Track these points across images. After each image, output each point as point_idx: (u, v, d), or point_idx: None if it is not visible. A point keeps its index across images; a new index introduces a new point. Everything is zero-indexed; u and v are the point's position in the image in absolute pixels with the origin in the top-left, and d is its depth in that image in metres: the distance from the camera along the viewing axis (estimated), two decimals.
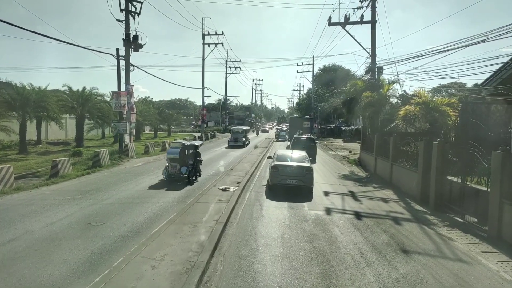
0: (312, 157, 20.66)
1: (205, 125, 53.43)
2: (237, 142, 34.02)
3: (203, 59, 49.71)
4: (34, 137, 31.27)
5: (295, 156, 14.38)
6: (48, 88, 29.40)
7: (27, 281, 5.71)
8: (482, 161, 9.38)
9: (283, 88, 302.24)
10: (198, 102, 77.48)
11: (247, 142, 36.18)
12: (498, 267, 6.90)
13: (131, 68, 23.87)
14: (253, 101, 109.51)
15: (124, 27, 23.00)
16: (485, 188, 9.21)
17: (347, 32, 23.72)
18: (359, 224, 9.57)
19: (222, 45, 51.27)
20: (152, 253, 6.54)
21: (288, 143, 33.76)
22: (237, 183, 14.27)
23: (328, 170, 20.56)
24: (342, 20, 23.21)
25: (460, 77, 36.86)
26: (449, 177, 11.03)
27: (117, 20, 22.98)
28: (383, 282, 6.02)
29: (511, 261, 7.17)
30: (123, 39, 22.95)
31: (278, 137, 48.17)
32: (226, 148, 32.80)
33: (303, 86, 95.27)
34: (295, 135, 26.06)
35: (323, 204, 11.75)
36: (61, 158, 16.60)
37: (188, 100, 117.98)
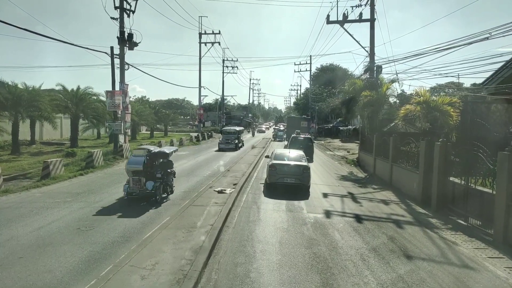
0: (309, 156, 20.95)
1: (202, 125, 52.98)
2: (229, 145, 30.40)
3: (200, 58, 49.36)
4: (28, 137, 30.77)
5: (293, 155, 14.61)
6: (44, 88, 28.96)
7: None
8: (487, 162, 9.05)
9: (281, 88, 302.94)
10: (195, 102, 77.15)
11: (240, 145, 32.66)
12: (507, 274, 6.57)
13: (126, 67, 23.50)
14: (251, 101, 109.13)
15: (118, 25, 22.63)
16: (490, 190, 8.88)
17: (346, 30, 23.40)
18: (360, 228, 9.23)
19: (219, 44, 50.91)
20: (142, 261, 6.16)
21: (286, 142, 33.55)
22: (234, 184, 13.90)
23: (326, 170, 20.23)
24: (340, 18, 22.84)
25: (460, 76, 36.63)
26: (451, 178, 10.72)
27: (111, 18, 22.56)
28: None
29: None
30: (117, 37, 22.53)
31: (276, 137, 48.28)
32: (216, 151, 29.29)
33: (300, 85, 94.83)
34: (292, 135, 26.15)
35: (322, 207, 11.41)
36: (53, 159, 16.17)
37: (185, 100, 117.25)
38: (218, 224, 8.52)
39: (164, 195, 11.41)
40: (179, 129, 67.02)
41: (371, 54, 22.16)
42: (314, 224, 9.40)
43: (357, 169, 21.32)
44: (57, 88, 30.03)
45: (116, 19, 22.65)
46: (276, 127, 64.89)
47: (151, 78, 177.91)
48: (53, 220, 9.09)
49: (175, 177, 12.39)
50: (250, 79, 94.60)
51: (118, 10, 22.51)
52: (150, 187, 10.71)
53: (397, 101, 25.88)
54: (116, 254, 6.84)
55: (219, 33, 49.59)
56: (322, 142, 44.28)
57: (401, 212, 11.21)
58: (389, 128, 20.31)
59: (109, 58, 22.55)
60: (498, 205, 8.18)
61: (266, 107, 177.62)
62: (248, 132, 64.51)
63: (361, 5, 22.33)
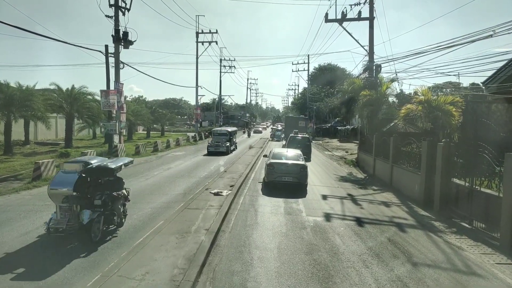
0: (307, 156, 21.21)
1: (199, 125, 52.54)
2: (219, 148, 26.84)
3: (197, 57, 49.00)
4: (22, 137, 30.30)
5: (290, 155, 14.81)
6: (39, 87, 28.53)
7: None
8: (493, 164, 8.72)
9: (278, 88, 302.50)
10: (193, 102, 76.47)
11: (232, 148, 29.37)
12: None
13: (121, 65, 23.09)
14: (248, 101, 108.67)
15: (113, 23, 22.21)
16: (496, 193, 8.54)
17: (344, 29, 23.07)
18: (361, 232, 8.88)
19: (216, 43, 50.61)
20: (132, 270, 5.78)
21: (284, 142, 33.33)
22: (231, 186, 13.53)
23: (325, 171, 19.89)
24: (339, 16, 22.50)
25: (460, 75, 36.39)
26: (455, 180, 10.39)
27: (106, 16, 22.18)
28: None
29: None
30: (112, 35, 22.13)
31: (274, 137, 48.37)
32: (204, 155, 25.78)
33: (298, 85, 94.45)
34: (291, 134, 26.24)
35: (321, 209, 11.05)
36: (45, 159, 15.74)
37: (183, 99, 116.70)
38: (213, 228, 8.15)
39: (103, 228, 7.67)
40: (176, 129, 66.56)
41: (370, 53, 21.83)
42: (313, 228, 9.04)
43: (356, 169, 20.99)
44: (52, 87, 29.62)
45: (111, 17, 22.27)
46: (274, 127, 64.48)
47: (149, 78, 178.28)
48: (42, 224, 8.63)
49: (128, 201, 8.81)
50: (248, 79, 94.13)
51: (113, 8, 22.15)
52: (85, 218, 7.13)
53: (395, 100, 25.60)
54: (105, 261, 6.45)
55: (216, 32, 49.30)
56: (320, 142, 43.98)
57: (403, 215, 10.87)
58: (388, 128, 20.01)
59: (104, 57, 22.18)
60: (505, 208, 7.85)
61: (264, 107, 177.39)
62: (244, 132, 61.56)
63: (360, 3, 22.02)
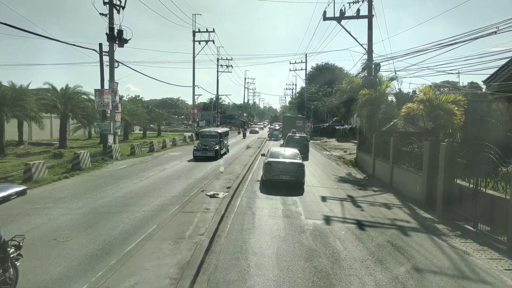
0: (305, 155, 21.39)
1: (196, 125, 52.06)
2: (207, 152, 22.58)
3: (194, 57, 48.55)
4: (16, 137, 29.80)
5: (288, 153, 14.99)
6: (34, 87, 28.05)
7: None
8: (499, 164, 8.40)
9: (276, 88, 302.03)
10: (190, 101, 76.01)
11: (223, 151, 25.22)
12: None
13: (116, 64, 22.64)
14: (246, 100, 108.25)
15: (108, 21, 21.77)
16: (502, 195, 8.21)
17: (343, 27, 22.71)
18: (363, 236, 8.53)
19: (213, 43, 50.34)
20: (120, 281, 5.40)
21: (281, 141, 33.07)
22: (227, 187, 13.16)
23: (324, 172, 19.55)
24: (337, 14, 22.18)
25: (460, 73, 36.07)
26: (458, 181, 10.07)
27: (100, 14, 21.73)
28: None
29: None
30: (106, 33, 21.69)
31: (271, 136, 48.29)
32: (188, 161, 21.96)
33: (295, 85, 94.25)
34: (288, 134, 26.13)
35: (321, 212, 10.70)
36: (36, 161, 15.30)
37: (180, 99, 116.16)
38: (209, 233, 7.78)
39: None
40: (173, 128, 66.11)
41: (369, 51, 21.48)
42: (313, 232, 8.68)
43: (356, 170, 20.67)
44: (46, 87, 29.14)
45: (105, 15, 21.82)
46: (271, 126, 64.07)
47: (146, 78, 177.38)
48: (29, 229, 8.27)
49: (21, 256, 5.55)
50: (245, 78, 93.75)
51: (108, 6, 21.71)
52: None
53: (394, 99, 25.32)
54: (92, 270, 6.05)
55: (213, 31, 48.87)
56: (318, 141, 43.63)
57: (405, 217, 10.54)
58: (388, 128, 19.71)
59: (99, 56, 21.73)
60: None
61: (261, 106, 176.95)
62: (239, 133, 56.86)
63: (358, 1, 21.68)
